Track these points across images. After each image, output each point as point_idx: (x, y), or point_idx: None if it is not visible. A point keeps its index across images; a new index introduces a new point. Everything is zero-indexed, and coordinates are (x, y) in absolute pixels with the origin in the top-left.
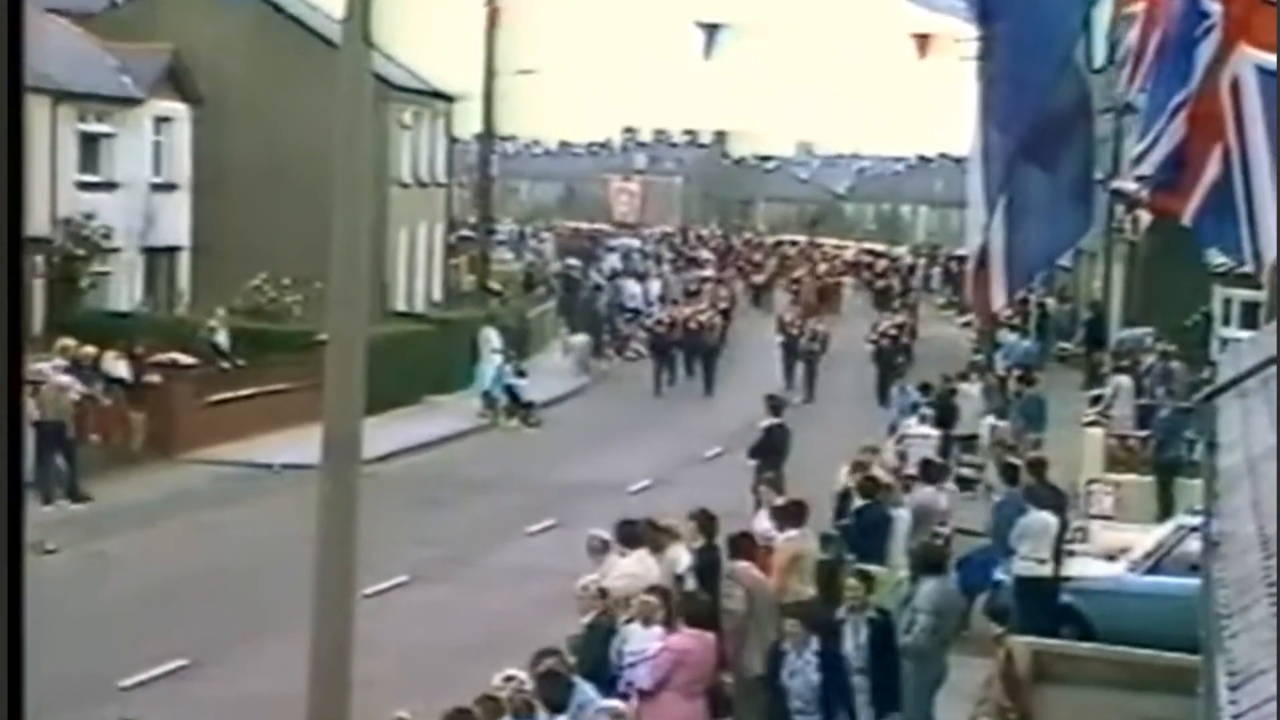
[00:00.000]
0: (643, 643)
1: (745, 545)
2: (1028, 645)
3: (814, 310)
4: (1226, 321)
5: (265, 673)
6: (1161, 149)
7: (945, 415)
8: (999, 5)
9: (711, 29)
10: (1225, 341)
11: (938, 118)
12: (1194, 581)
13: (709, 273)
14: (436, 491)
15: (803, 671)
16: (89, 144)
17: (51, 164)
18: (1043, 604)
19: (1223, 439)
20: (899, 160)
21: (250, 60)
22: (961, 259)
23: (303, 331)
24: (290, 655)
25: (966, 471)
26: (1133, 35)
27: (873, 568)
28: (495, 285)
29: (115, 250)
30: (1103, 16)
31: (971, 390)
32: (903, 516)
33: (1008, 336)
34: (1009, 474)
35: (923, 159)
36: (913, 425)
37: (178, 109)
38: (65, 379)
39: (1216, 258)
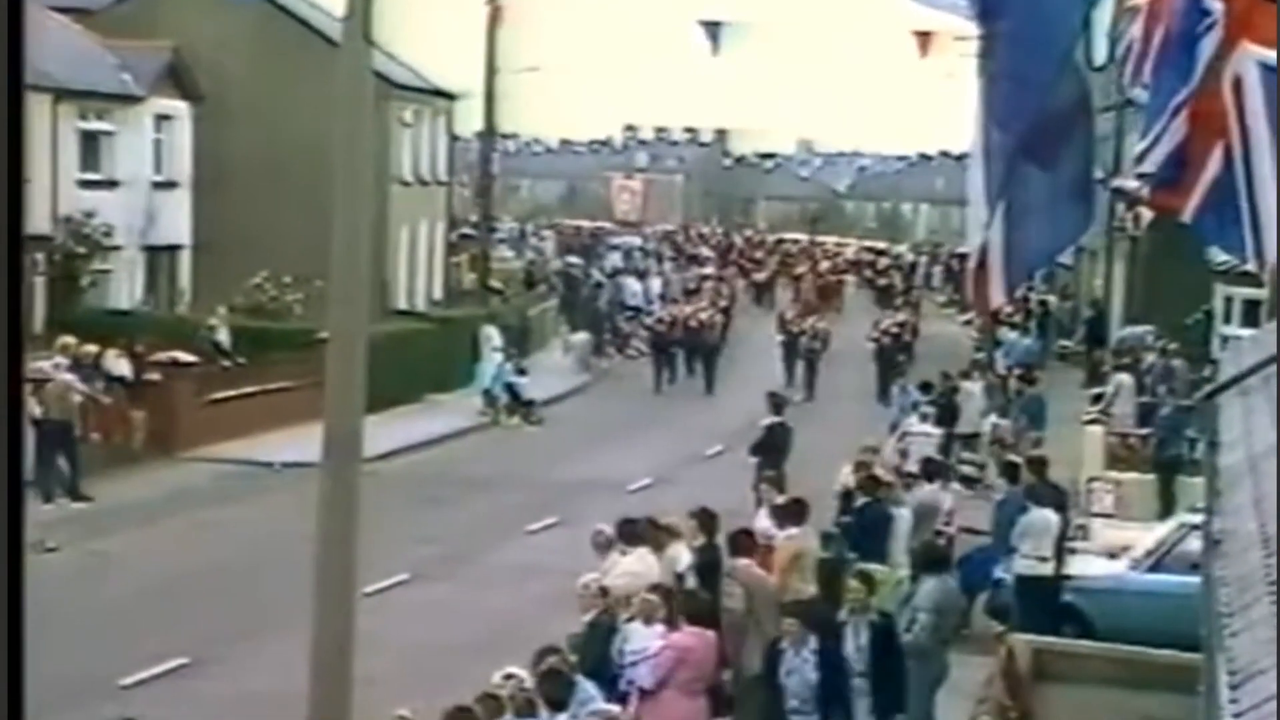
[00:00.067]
0: (644, 641)
1: (745, 542)
2: (1029, 643)
3: (815, 308)
4: (1228, 319)
5: (266, 671)
6: (1163, 147)
7: (946, 413)
8: (1000, 3)
9: (713, 27)
10: (1226, 339)
11: (938, 116)
12: (1195, 580)
13: (710, 271)
14: (437, 490)
15: (800, 670)
16: (89, 142)
17: (52, 162)
18: (1044, 602)
19: (1224, 437)
20: (900, 158)
21: (251, 58)
22: (963, 257)
23: (304, 330)
24: (291, 653)
25: (968, 470)
26: (1135, 29)
27: (873, 566)
28: (496, 283)
29: (116, 248)
30: (1103, 15)
31: (973, 388)
32: (904, 515)
33: (1009, 334)
34: (1010, 472)
35: (923, 157)
36: (914, 423)
37: (178, 107)
38: (70, 377)
39: (1218, 256)
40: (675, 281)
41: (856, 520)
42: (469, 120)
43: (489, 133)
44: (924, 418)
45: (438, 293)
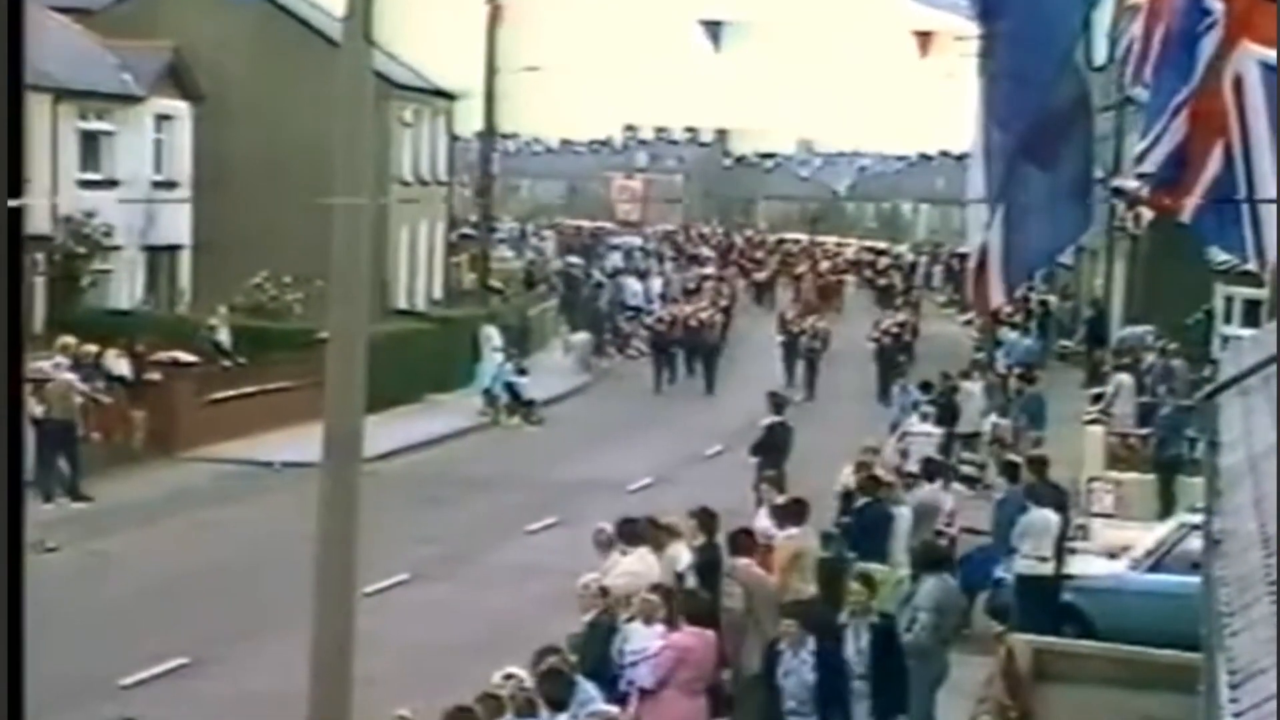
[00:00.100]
0: (644, 641)
1: (745, 541)
2: (1029, 643)
3: (815, 308)
4: (1228, 319)
5: (266, 671)
6: (1163, 147)
7: (946, 413)
8: (1000, 3)
9: (714, 26)
10: (1226, 339)
11: (938, 116)
12: (1195, 579)
13: (710, 270)
14: (437, 489)
15: (797, 671)
16: (90, 142)
17: (52, 162)
18: (1044, 602)
19: (1224, 437)
20: (900, 158)
21: (251, 58)
22: (963, 256)
23: (304, 330)
24: (291, 653)
25: (968, 470)
26: (1135, 28)
27: (873, 566)
28: (496, 283)
29: (116, 248)
30: (1103, 15)
31: (973, 388)
32: (904, 514)
33: (1009, 334)
34: (1010, 472)
35: (924, 157)
36: (914, 423)
37: (179, 107)
38: (72, 376)
39: (1218, 255)
40: (675, 281)
41: (856, 520)
42: (469, 120)
43: (489, 133)
44: (924, 418)
45: (438, 293)
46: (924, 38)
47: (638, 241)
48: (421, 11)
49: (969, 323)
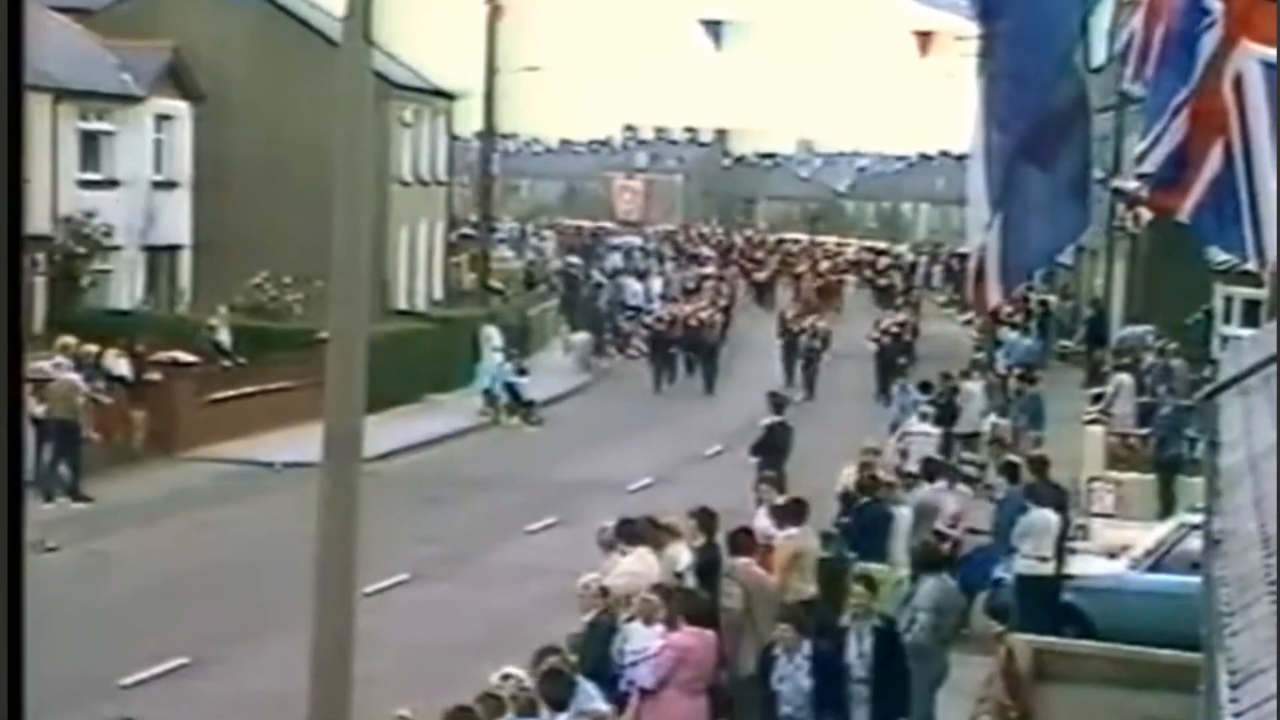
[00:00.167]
0: (644, 641)
1: (745, 541)
2: (1029, 643)
3: (815, 308)
4: (1228, 319)
5: (266, 671)
6: (1163, 147)
7: (946, 413)
8: (1000, 3)
9: (714, 26)
10: (1226, 339)
11: (938, 116)
12: (1195, 579)
13: (710, 270)
14: (437, 489)
15: (792, 677)
16: (90, 142)
17: (52, 162)
18: (1044, 602)
19: (1224, 437)
20: (900, 158)
21: (251, 58)
22: (963, 256)
23: (304, 330)
24: (291, 653)
25: (968, 470)
26: (1135, 25)
27: (873, 566)
28: (496, 283)
29: (116, 248)
30: (1102, 16)
31: (973, 388)
32: (904, 514)
33: (1009, 334)
34: (1010, 472)
35: (924, 157)
36: (914, 423)
37: (179, 107)
38: (75, 376)
39: (1218, 255)
40: (675, 281)
41: (856, 520)
42: (469, 120)
43: (489, 133)
44: (924, 418)
45: (438, 293)
46: (924, 38)
47: (638, 241)
48: (421, 11)
49: (969, 323)
